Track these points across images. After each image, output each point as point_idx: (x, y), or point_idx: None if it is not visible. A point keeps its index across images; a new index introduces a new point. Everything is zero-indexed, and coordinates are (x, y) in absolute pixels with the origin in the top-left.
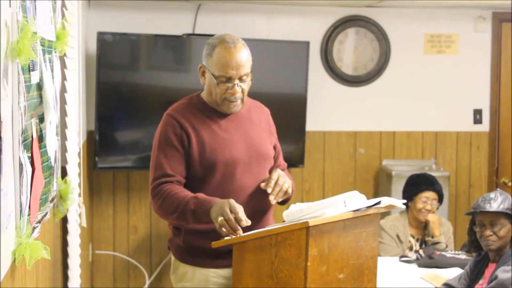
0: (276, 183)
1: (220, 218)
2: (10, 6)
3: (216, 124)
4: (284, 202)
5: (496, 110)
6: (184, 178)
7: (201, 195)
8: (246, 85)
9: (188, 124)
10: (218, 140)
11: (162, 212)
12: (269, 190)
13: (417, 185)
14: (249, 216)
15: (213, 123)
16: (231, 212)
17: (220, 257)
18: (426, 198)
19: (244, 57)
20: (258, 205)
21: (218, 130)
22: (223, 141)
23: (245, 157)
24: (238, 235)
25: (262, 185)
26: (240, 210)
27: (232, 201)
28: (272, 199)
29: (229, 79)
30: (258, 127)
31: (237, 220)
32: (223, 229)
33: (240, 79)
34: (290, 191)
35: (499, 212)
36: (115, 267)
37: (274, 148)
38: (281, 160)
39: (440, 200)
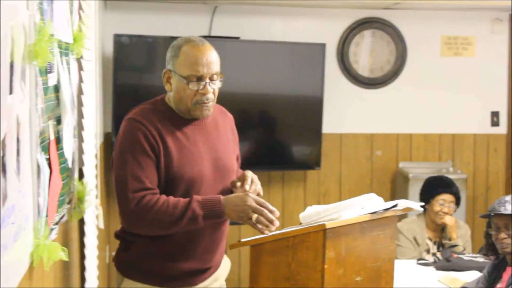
0: (252, 181)
1: (255, 216)
2: (27, 9)
3: (183, 135)
4: None
5: None
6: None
7: (200, 197)
8: (217, 87)
9: (156, 132)
10: (185, 154)
11: (156, 224)
12: (247, 187)
13: (434, 187)
14: (209, 233)
15: (180, 134)
16: (259, 205)
17: (172, 280)
18: (443, 201)
19: (213, 55)
20: (218, 223)
21: (186, 142)
22: (191, 156)
23: (210, 173)
24: (275, 226)
25: (238, 184)
26: (264, 200)
27: (250, 194)
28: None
29: (200, 78)
30: (224, 138)
31: (270, 211)
32: (259, 226)
33: (211, 78)
34: (261, 193)
35: None
36: None
37: (237, 158)
38: (239, 168)
39: (458, 202)
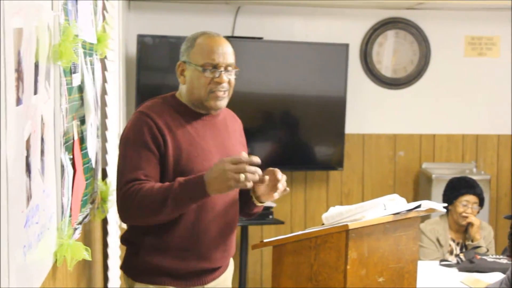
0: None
1: (242, 177)
2: (52, 9)
3: (194, 129)
4: (251, 215)
5: None
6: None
7: (183, 178)
8: (232, 78)
9: (165, 125)
10: (195, 148)
11: (141, 210)
12: (279, 176)
13: (457, 188)
14: (217, 231)
15: (191, 128)
16: (235, 163)
17: (183, 278)
18: (467, 202)
19: (229, 46)
20: (227, 220)
21: (196, 136)
22: (201, 150)
23: None
24: (258, 176)
25: (279, 175)
26: (237, 156)
27: (224, 158)
28: (277, 195)
29: (215, 66)
30: (233, 138)
31: (248, 163)
32: (246, 183)
33: (226, 69)
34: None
35: None
36: None
37: None
38: None
39: (481, 203)
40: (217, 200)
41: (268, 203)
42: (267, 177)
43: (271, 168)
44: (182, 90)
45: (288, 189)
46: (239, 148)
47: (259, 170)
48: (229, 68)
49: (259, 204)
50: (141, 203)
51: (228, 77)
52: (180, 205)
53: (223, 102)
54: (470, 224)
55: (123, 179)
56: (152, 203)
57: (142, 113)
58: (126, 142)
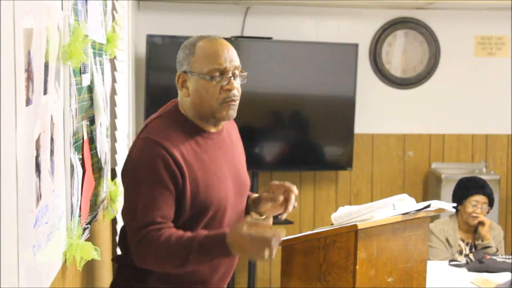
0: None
1: (267, 253)
2: (62, 10)
3: (205, 152)
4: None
5: None
6: (175, 224)
7: (201, 234)
8: (239, 84)
9: (181, 157)
10: (211, 177)
11: (160, 262)
12: (290, 209)
13: (467, 188)
14: (228, 260)
15: (202, 151)
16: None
17: None
18: (476, 202)
19: (233, 48)
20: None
21: (209, 162)
22: (216, 179)
23: (233, 194)
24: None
25: (293, 195)
26: (257, 220)
27: (246, 231)
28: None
29: (223, 72)
30: (238, 149)
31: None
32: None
33: (234, 74)
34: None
35: None
36: None
37: None
38: None
39: (491, 204)
40: (230, 224)
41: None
42: (281, 198)
43: (287, 184)
44: (185, 104)
45: (296, 204)
46: (243, 159)
47: (281, 235)
48: (237, 72)
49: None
50: (159, 255)
51: (238, 83)
52: (202, 262)
53: (235, 112)
54: (480, 223)
55: (137, 222)
56: (173, 257)
57: (154, 143)
58: (137, 176)
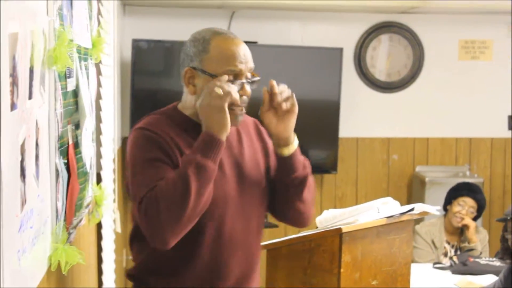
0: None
1: (214, 93)
2: (47, 14)
3: None
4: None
5: None
6: None
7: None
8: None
9: (172, 142)
10: None
11: (168, 207)
12: (275, 88)
13: (459, 189)
14: (239, 269)
15: None
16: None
17: None
18: (464, 203)
19: (247, 48)
20: (250, 254)
21: None
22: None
23: (237, 195)
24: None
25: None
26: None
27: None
28: (279, 98)
29: (238, 75)
30: (250, 150)
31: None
32: (225, 89)
33: (247, 77)
34: (296, 110)
35: None
36: None
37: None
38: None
39: (479, 211)
40: (237, 230)
41: None
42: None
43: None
44: (189, 101)
45: (292, 98)
46: (258, 159)
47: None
48: (249, 75)
49: (286, 153)
50: (164, 199)
51: (251, 88)
52: (203, 170)
53: (242, 118)
54: (466, 227)
55: (137, 197)
56: (175, 190)
57: (141, 129)
58: (132, 160)
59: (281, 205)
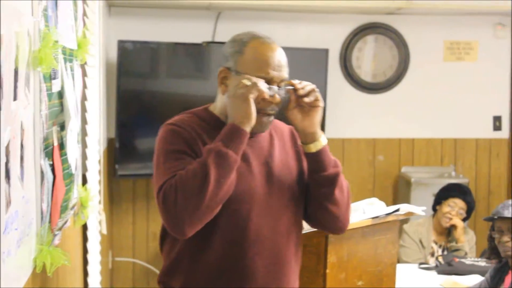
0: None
1: (246, 82)
2: (32, 15)
3: None
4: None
5: None
6: None
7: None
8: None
9: (197, 136)
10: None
11: (186, 195)
12: (298, 85)
13: (449, 190)
14: (266, 269)
15: None
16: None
17: None
18: (454, 204)
19: (284, 56)
20: (278, 255)
21: None
22: (239, 170)
23: (264, 193)
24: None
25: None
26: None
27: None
28: (305, 102)
29: (268, 82)
30: (282, 155)
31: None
32: (254, 82)
33: (279, 85)
34: (321, 104)
35: None
36: (134, 274)
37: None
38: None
39: (468, 212)
40: (263, 229)
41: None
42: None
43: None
44: (219, 101)
45: (316, 91)
46: (291, 165)
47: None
48: (282, 84)
49: (313, 149)
50: (182, 187)
51: (281, 95)
52: (222, 158)
53: (270, 124)
54: (454, 227)
55: (157, 187)
56: (194, 178)
57: (169, 124)
58: (157, 155)
59: (313, 208)
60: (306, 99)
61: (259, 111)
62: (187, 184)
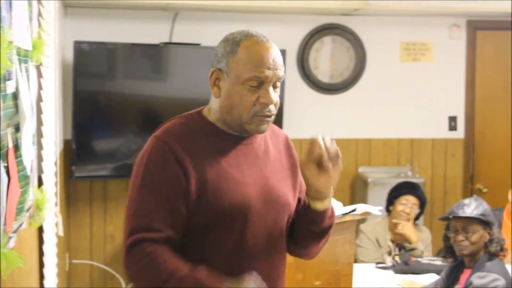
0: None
1: None
2: None
3: (224, 155)
4: (321, 234)
5: (471, 117)
6: (177, 232)
7: (200, 273)
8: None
9: (186, 153)
10: (225, 179)
11: (141, 282)
12: (321, 142)
13: (400, 189)
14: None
15: (220, 155)
16: None
17: None
18: (406, 201)
19: (280, 55)
20: (272, 268)
21: (226, 164)
22: (232, 180)
23: (259, 202)
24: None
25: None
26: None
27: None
28: (326, 163)
29: (263, 83)
30: (277, 164)
31: None
32: None
33: (275, 85)
34: (340, 168)
35: (472, 217)
36: (92, 276)
37: (301, 185)
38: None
39: (422, 207)
40: (260, 240)
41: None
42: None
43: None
44: (214, 105)
45: (339, 155)
46: (286, 176)
47: None
48: (278, 83)
49: (320, 208)
50: (141, 273)
51: (277, 96)
52: None
53: (268, 126)
54: (401, 235)
55: (129, 226)
56: (154, 279)
57: (157, 140)
58: (138, 176)
59: (294, 244)
60: (327, 163)
61: (257, 114)
62: (151, 278)
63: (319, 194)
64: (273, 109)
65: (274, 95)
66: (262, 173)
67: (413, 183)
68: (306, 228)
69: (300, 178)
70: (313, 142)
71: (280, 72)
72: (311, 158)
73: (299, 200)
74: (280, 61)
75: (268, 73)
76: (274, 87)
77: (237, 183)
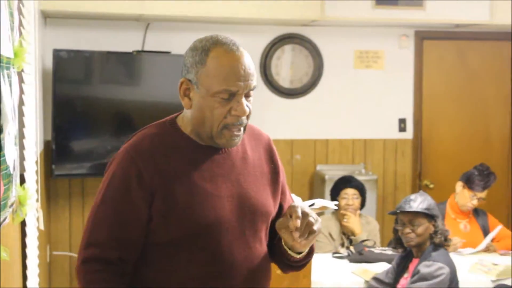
0: (303, 214)
1: None
2: None
3: (197, 168)
4: (299, 267)
5: (419, 119)
6: (132, 254)
7: None
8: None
9: (154, 172)
10: (197, 194)
11: None
12: (297, 223)
13: (337, 185)
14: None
15: (192, 167)
16: None
17: None
18: (346, 195)
19: (251, 63)
20: (253, 281)
21: (198, 178)
22: (204, 195)
23: (235, 219)
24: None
25: (290, 223)
26: None
27: None
28: (298, 238)
29: (234, 95)
30: (257, 171)
31: None
32: None
33: (247, 95)
34: (319, 231)
35: (417, 211)
36: (71, 266)
37: (282, 192)
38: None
39: (362, 194)
40: (237, 259)
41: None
42: (298, 222)
43: (291, 205)
44: (186, 116)
45: (315, 227)
46: (265, 183)
47: None
48: (250, 93)
49: (297, 256)
50: None
51: (249, 107)
52: None
53: (239, 139)
54: (347, 227)
55: (85, 240)
56: None
57: (126, 154)
58: (102, 189)
59: (271, 258)
60: (304, 231)
61: (226, 126)
62: None
63: (295, 250)
64: (244, 121)
65: (246, 106)
66: (238, 183)
67: (349, 176)
68: (283, 261)
69: (282, 181)
70: (291, 207)
71: (252, 83)
72: (287, 223)
73: (281, 206)
74: (251, 69)
75: (240, 85)
76: (247, 96)
77: (210, 197)
